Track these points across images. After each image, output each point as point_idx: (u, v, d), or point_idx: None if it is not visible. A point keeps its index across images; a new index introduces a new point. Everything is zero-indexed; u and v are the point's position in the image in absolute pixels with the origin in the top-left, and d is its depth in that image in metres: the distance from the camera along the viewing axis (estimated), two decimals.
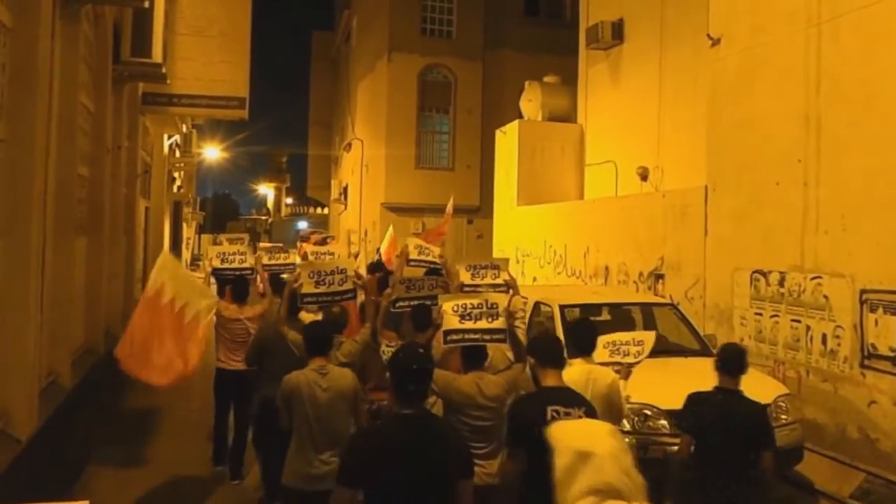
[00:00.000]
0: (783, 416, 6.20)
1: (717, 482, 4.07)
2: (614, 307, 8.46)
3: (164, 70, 9.26)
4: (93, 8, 7.23)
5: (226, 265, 6.46)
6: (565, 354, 4.01)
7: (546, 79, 16.59)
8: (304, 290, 5.17)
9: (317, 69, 33.82)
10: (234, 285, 6.46)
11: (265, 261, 6.63)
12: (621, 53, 13.80)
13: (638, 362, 5.06)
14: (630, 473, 2.00)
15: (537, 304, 8.17)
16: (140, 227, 11.65)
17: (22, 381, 4.81)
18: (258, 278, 6.68)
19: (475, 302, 4.56)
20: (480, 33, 21.95)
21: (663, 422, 5.92)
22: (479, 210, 21.35)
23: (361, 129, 24.39)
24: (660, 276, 10.16)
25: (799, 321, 7.59)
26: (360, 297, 5.64)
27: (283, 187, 57.98)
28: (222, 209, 69.28)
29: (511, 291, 5.36)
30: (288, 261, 6.73)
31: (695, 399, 4.36)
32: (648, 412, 5.94)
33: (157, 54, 8.91)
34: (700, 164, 9.63)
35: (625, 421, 5.61)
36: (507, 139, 16.11)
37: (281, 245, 8.89)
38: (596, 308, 8.47)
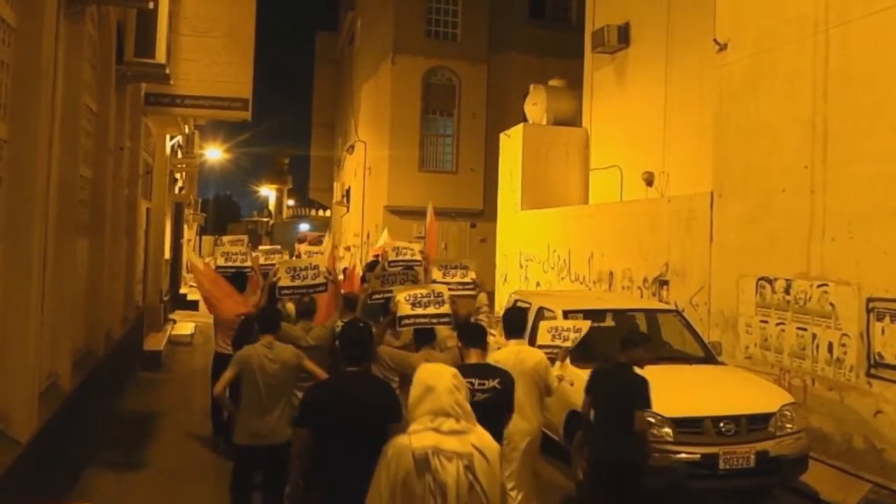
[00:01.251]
0: (788, 425, 6.16)
1: (608, 431, 5.11)
2: (618, 313, 8.42)
3: (167, 71, 9.20)
4: (97, 8, 7.18)
5: (229, 263, 7.54)
6: (506, 337, 5.34)
7: (551, 82, 16.57)
8: (282, 283, 6.21)
9: (320, 71, 33.84)
10: (232, 279, 7.37)
11: (262, 260, 7.56)
12: (627, 57, 13.76)
13: (574, 346, 5.77)
14: (460, 403, 2.79)
15: (541, 310, 8.13)
16: (141, 228, 11.60)
17: (22, 382, 4.75)
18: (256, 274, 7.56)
19: (424, 292, 5.43)
20: (485, 36, 21.95)
21: (667, 430, 5.88)
22: (483, 214, 21.33)
23: (365, 132, 24.38)
24: (664, 283, 10.10)
25: (805, 329, 7.54)
26: (332, 288, 6.61)
27: (285, 189, 57.94)
28: (224, 211, 69.40)
29: (477, 289, 6.44)
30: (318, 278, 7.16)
31: (595, 370, 5.47)
32: (652, 419, 5.88)
33: (160, 55, 8.86)
34: (706, 170, 9.60)
35: None
36: (511, 143, 16.07)
37: (278, 247, 9.83)
38: (600, 314, 8.43)
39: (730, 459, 5.79)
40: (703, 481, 5.88)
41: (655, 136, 12.48)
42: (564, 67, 17.09)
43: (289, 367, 4.95)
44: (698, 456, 5.80)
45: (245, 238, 9.18)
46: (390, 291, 5.88)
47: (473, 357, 4.51)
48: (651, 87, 12.78)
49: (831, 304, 7.23)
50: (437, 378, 2.82)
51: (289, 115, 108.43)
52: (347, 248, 19.36)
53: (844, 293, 7.08)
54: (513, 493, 5.05)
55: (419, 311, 5.30)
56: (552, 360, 5.41)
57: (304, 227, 41.13)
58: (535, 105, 16.27)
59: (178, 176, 17.33)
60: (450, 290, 5.89)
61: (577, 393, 6.60)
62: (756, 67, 8.49)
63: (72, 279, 6.31)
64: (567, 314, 7.54)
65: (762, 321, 8.13)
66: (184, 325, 14.78)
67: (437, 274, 6.53)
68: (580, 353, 7.04)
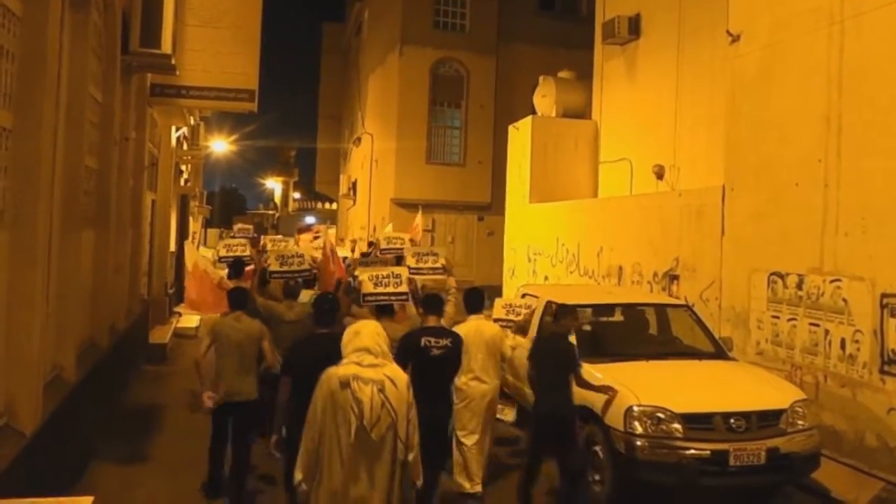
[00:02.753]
0: (800, 422, 6.08)
1: (546, 389, 5.86)
2: (628, 308, 8.37)
3: (172, 61, 9.13)
4: None
5: (230, 253, 8.58)
6: (467, 309, 6.51)
7: (560, 74, 16.43)
8: (272, 268, 7.54)
9: (327, 62, 33.70)
10: (232, 265, 8.29)
11: (270, 246, 8.63)
12: (638, 49, 13.63)
13: (523, 320, 6.94)
14: (379, 344, 3.78)
15: (549, 304, 8.05)
16: (146, 220, 11.57)
17: (27, 374, 4.74)
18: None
19: (385, 273, 6.43)
20: (494, 27, 21.81)
21: (677, 425, 5.81)
22: (491, 207, 21.24)
23: (371, 124, 24.27)
24: (675, 277, 10.01)
25: (817, 325, 7.44)
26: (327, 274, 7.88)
27: (291, 182, 57.84)
28: (229, 203, 69.29)
29: (446, 273, 7.62)
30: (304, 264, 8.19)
31: (536, 340, 6.45)
32: (661, 415, 5.84)
33: (166, 45, 8.78)
34: (717, 164, 9.49)
35: (636, 423, 5.87)
36: (519, 135, 15.97)
37: (281, 237, 11.72)
38: (609, 308, 8.37)
39: (740, 456, 5.72)
40: (714, 478, 5.80)
41: (666, 129, 12.36)
42: (574, 59, 16.94)
43: (252, 338, 5.90)
44: (708, 452, 5.72)
45: (251, 227, 11.17)
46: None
47: (431, 321, 5.64)
48: (662, 80, 12.65)
49: (844, 300, 7.13)
50: (363, 326, 3.92)
51: (295, 107, 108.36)
52: (354, 241, 19.32)
53: (858, 288, 6.98)
54: (475, 437, 6.24)
55: (380, 289, 6.30)
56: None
57: (310, 219, 41.03)
58: (545, 97, 16.15)
59: (183, 168, 17.27)
60: (422, 273, 7.52)
61: (578, 392, 6.54)
62: (769, 59, 8.37)
63: (77, 271, 6.28)
64: (576, 309, 7.47)
65: (774, 317, 8.03)
66: (189, 318, 14.70)
67: (411, 260, 7.70)
68: (590, 349, 7.02)
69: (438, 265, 7.80)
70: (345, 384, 3.63)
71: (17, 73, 4.75)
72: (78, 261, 6.33)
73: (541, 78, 16.57)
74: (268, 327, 6.27)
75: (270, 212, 59.37)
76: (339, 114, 32.76)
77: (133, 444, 7.25)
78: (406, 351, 5.26)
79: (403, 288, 6.38)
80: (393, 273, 6.46)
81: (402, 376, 3.83)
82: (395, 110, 21.75)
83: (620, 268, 11.56)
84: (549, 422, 5.75)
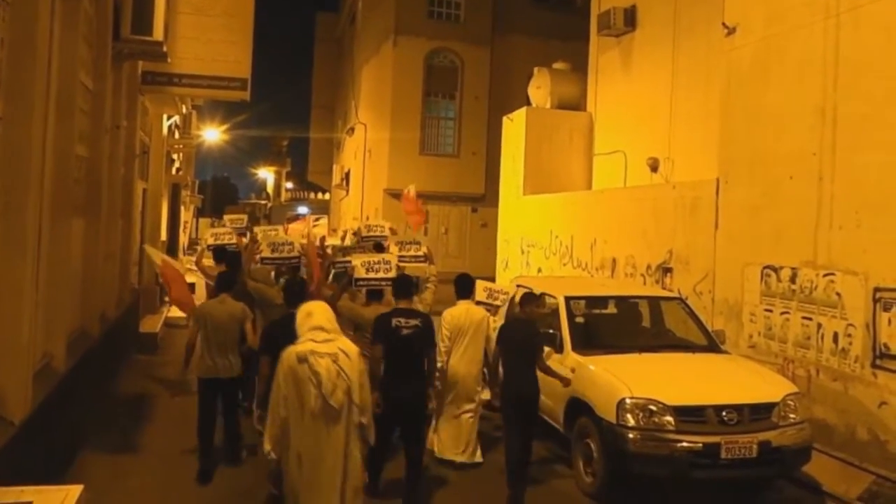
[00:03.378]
0: (792, 415, 6.09)
1: (513, 372, 6.18)
2: (621, 300, 8.36)
3: (164, 49, 9.05)
4: None
5: (217, 241, 8.98)
6: (461, 294, 7.06)
7: (555, 65, 16.38)
8: (264, 255, 7.85)
9: (320, 51, 33.47)
10: (215, 250, 8.76)
11: (261, 237, 8.64)
12: (633, 41, 13.59)
13: (502, 305, 7.51)
14: (330, 321, 4.27)
15: (542, 296, 8.04)
16: (137, 209, 11.48)
17: (16, 362, 4.70)
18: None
19: (376, 259, 6.87)
20: (489, 17, 21.72)
21: (669, 418, 5.82)
22: (484, 199, 21.21)
23: (365, 114, 24.16)
24: (668, 270, 10.02)
25: (810, 318, 7.45)
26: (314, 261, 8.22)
27: (284, 172, 57.58)
28: (221, 193, 69.03)
29: (427, 261, 8.03)
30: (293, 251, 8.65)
31: (502, 326, 6.62)
32: (654, 408, 5.84)
33: (157, 32, 8.70)
34: (712, 156, 9.48)
35: (628, 415, 5.86)
36: (514, 126, 15.93)
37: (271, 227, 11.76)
38: (602, 301, 8.36)
39: (732, 449, 5.72)
40: (705, 471, 5.81)
41: (661, 121, 12.35)
42: (569, 50, 16.91)
43: (234, 319, 6.32)
44: (700, 445, 5.72)
45: (245, 217, 11.44)
46: (349, 261, 7.01)
47: (402, 304, 5.99)
48: (657, 72, 12.63)
49: (837, 294, 7.14)
50: (315, 307, 4.36)
51: (288, 97, 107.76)
52: (345, 232, 19.28)
53: (851, 283, 6.99)
54: (464, 412, 6.78)
55: (371, 275, 6.71)
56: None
57: (302, 209, 40.94)
58: (539, 88, 16.11)
59: (175, 157, 17.16)
60: (405, 261, 7.78)
61: (578, 380, 6.55)
62: (765, 52, 8.35)
63: (66, 259, 6.22)
64: (570, 301, 7.47)
65: (767, 310, 8.05)
66: None
67: (394, 249, 8.12)
68: (583, 341, 7.03)
69: (420, 254, 8.20)
70: (302, 359, 4.07)
71: (7, 59, 4.68)
72: (68, 249, 6.28)
73: (535, 69, 16.52)
74: (260, 310, 6.97)
75: (263, 202, 59.15)
76: (332, 104, 32.58)
77: (124, 433, 7.22)
78: (379, 331, 5.72)
79: (392, 274, 6.68)
80: (383, 259, 6.91)
81: (353, 348, 4.26)
82: (389, 101, 21.65)
83: (614, 260, 11.56)
84: (515, 403, 6.12)
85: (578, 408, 6.45)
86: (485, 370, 6.96)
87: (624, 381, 6.07)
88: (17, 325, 4.68)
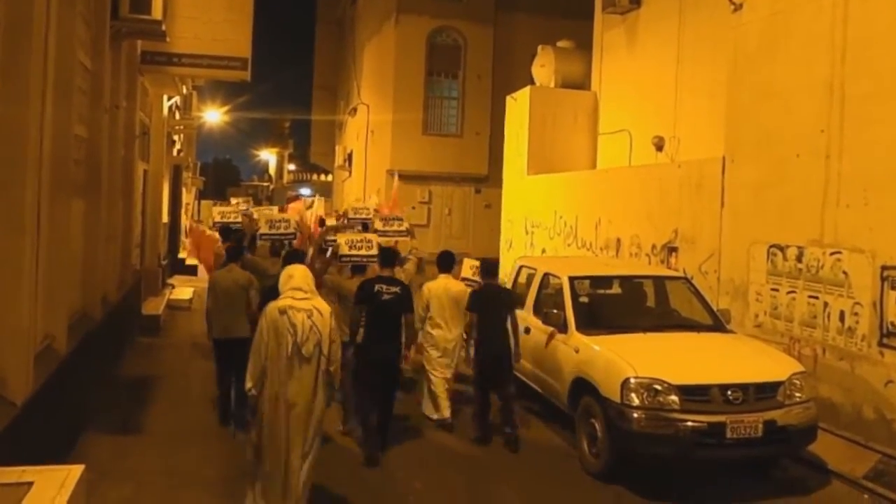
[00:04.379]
0: (797, 395, 6.07)
1: (487, 334, 6.89)
2: (625, 280, 8.32)
3: (163, 28, 8.96)
4: None
5: (224, 220, 9.81)
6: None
7: (559, 43, 16.20)
8: (262, 231, 8.69)
9: (322, 31, 33.13)
10: (222, 229, 9.56)
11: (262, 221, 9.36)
12: (638, 18, 13.42)
13: (481, 282, 7.74)
14: (308, 283, 4.97)
15: (546, 276, 8.02)
16: (138, 190, 11.40)
17: (17, 343, 4.67)
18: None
19: (359, 238, 7.62)
20: None
21: (674, 397, 5.79)
22: (488, 179, 21.09)
23: (367, 94, 23.96)
24: (673, 249, 9.95)
25: (816, 297, 7.39)
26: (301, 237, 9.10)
27: (286, 153, 57.25)
28: (223, 175, 68.86)
29: (410, 235, 9.14)
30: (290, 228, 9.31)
31: (473, 293, 7.20)
32: (658, 387, 5.82)
33: (156, 11, 8.60)
34: (718, 135, 9.37)
35: (633, 395, 5.84)
36: (517, 106, 15.81)
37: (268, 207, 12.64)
38: (607, 281, 8.33)
39: (737, 428, 5.69)
40: (710, 450, 5.80)
41: (666, 99, 12.20)
42: (574, 28, 16.66)
43: (240, 286, 7.11)
44: (705, 424, 5.69)
45: (251, 200, 13.15)
46: (335, 240, 7.82)
47: (384, 272, 6.84)
48: (663, 49, 12.46)
49: (844, 272, 7.08)
50: (295, 270, 5.09)
51: (290, 77, 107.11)
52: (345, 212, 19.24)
53: (858, 261, 6.92)
54: (442, 375, 7.39)
55: (354, 251, 7.46)
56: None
57: (305, 191, 40.82)
58: (543, 67, 15.95)
59: (175, 138, 17.05)
60: (388, 235, 8.75)
61: (582, 360, 6.53)
62: (772, 28, 8.23)
63: (66, 240, 6.17)
64: (574, 280, 7.43)
65: (773, 289, 7.98)
66: (182, 290, 14.67)
67: (378, 224, 9.01)
68: (588, 321, 6.99)
69: (403, 228, 9.14)
70: (282, 312, 4.77)
71: (3, 37, 4.62)
72: (68, 230, 6.23)
73: (539, 47, 16.34)
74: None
75: (265, 183, 59.04)
76: (334, 84, 32.33)
77: (126, 415, 7.22)
78: (362, 295, 6.51)
79: (374, 251, 7.41)
80: (365, 238, 7.65)
81: (325, 307, 4.98)
82: (392, 80, 21.47)
83: (618, 240, 11.49)
84: (489, 361, 6.85)
85: (583, 388, 6.43)
86: (464, 337, 7.45)
87: (628, 360, 6.04)
88: (17, 307, 4.65)
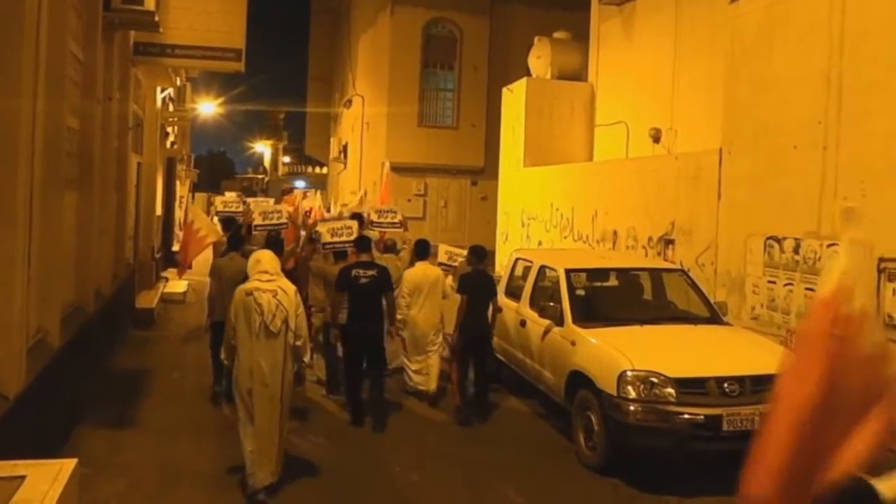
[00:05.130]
0: None
1: (472, 313, 7.35)
2: (622, 272, 8.29)
3: (156, 18, 8.88)
4: None
5: (226, 209, 10.56)
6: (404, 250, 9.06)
7: (556, 35, 16.13)
8: (256, 222, 9.09)
9: (316, 21, 32.91)
10: (224, 220, 9.98)
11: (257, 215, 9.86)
12: (635, 9, 13.36)
13: (458, 266, 8.45)
14: (274, 267, 5.53)
15: (542, 268, 7.98)
16: (132, 182, 11.32)
17: (9, 336, 4.63)
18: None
19: (339, 226, 8.20)
20: None
21: (670, 390, 5.77)
22: (484, 171, 21.03)
23: (362, 85, 23.87)
24: (670, 242, 9.93)
25: (813, 289, 7.37)
26: (291, 227, 9.56)
27: (281, 145, 56.94)
28: (217, 167, 68.50)
29: (403, 227, 9.73)
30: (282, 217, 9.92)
31: (462, 276, 7.64)
32: (655, 380, 5.79)
33: (149, 1, 8.52)
34: (715, 126, 9.34)
35: (629, 388, 5.81)
36: (513, 97, 15.74)
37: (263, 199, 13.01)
38: (603, 273, 8.30)
39: (734, 421, 5.67)
40: (706, 443, 5.77)
41: (663, 91, 12.16)
42: (570, 19, 16.60)
43: (242, 273, 6.87)
44: (701, 417, 5.67)
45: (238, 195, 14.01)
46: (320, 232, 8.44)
47: (363, 257, 7.42)
48: (660, 41, 12.41)
49: None
50: (263, 255, 5.66)
51: (284, 69, 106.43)
52: (344, 205, 19.18)
53: None
54: (425, 353, 7.97)
55: (336, 239, 8.06)
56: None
57: (300, 183, 40.66)
58: (539, 58, 15.87)
59: (169, 130, 16.94)
60: (383, 227, 9.50)
61: (578, 353, 6.50)
62: (770, 19, 8.19)
63: (59, 233, 6.11)
64: (570, 273, 7.40)
65: (770, 281, 7.97)
66: (176, 283, 14.58)
67: (373, 215, 9.56)
68: (584, 313, 6.97)
69: (397, 220, 9.66)
70: (249, 294, 5.31)
71: None
72: (60, 223, 6.17)
73: (536, 39, 16.26)
74: None
75: (260, 176, 58.75)
76: (329, 76, 32.16)
77: (119, 408, 7.18)
78: (341, 281, 7.08)
79: (354, 237, 8.01)
80: (346, 225, 8.26)
81: (290, 287, 5.50)
82: (387, 72, 21.36)
83: (615, 232, 11.46)
84: (472, 337, 7.37)
85: (579, 381, 6.41)
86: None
87: (625, 353, 6.02)
88: (9, 300, 4.60)
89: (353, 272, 7.04)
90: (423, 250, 8.25)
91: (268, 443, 5.32)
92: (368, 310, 6.99)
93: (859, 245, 2.36)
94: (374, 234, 9.37)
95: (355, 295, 7.00)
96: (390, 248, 9.14)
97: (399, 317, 7.67)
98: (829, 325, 2.27)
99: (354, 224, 8.36)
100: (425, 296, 7.88)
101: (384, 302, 7.16)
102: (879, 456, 2.66)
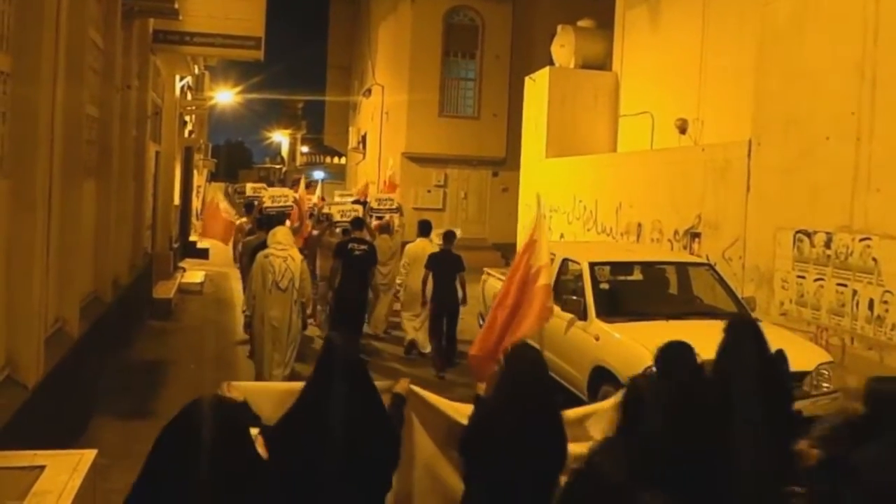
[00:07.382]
0: (825, 385, 5.94)
1: (443, 289, 8.73)
2: (647, 266, 8.15)
3: (175, 5, 8.84)
4: None
5: (275, 204, 11.83)
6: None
7: (580, 23, 15.92)
8: (266, 204, 11.43)
9: (336, 9, 32.80)
10: (247, 205, 11.78)
11: (269, 203, 11.97)
12: None
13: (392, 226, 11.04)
14: (287, 238, 7.33)
15: (565, 261, 7.85)
16: (150, 171, 11.27)
17: (28, 326, 4.61)
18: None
19: (347, 208, 10.71)
20: None
21: None
22: (505, 162, 20.88)
23: (382, 75, 23.74)
24: (696, 235, 9.76)
25: (845, 285, 7.19)
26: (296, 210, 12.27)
27: (299, 135, 56.88)
28: (235, 157, 68.72)
29: (399, 212, 11.97)
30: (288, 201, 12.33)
31: (432, 255, 8.95)
32: None
33: None
34: (744, 117, 9.15)
35: None
36: (536, 87, 15.57)
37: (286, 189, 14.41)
38: (628, 267, 8.16)
39: None
40: None
41: (690, 80, 11.95)
42: (595, 7, 16.34)
43: (256, 250, 8.09)
44: None
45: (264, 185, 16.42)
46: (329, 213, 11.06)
47: (356, 234, 9.19)
48: (687, 29, 12.18)
49: (874, 259, 6.88)
50: (279, 231, 7.33)
51: (303, 58, 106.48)
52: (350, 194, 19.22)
53: (889, 247, 6.73)
54: (418, 316, 9.50)
55: (345, 219, 10.32)
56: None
57: (318, 174, 40.66)
58: (563, 47, 15.67)
59: (187, 119, 16.91)
60: (381, 212, 11.54)
61: (602, 348, 6.38)
62: (801, 6, 8.02)
63: (78, 222, 6.09)
64: (594, 266, 7.27)
65: (799, 276, 7.79)
66: (194, 274, 14.57)
67: (373, 202, 11.92)
68: (608, 308, 6.83)
69: (394, 206, 11.82)
70: (266, 257, 6.96)
71: (15, 14, 4.51)
72: (79, 212, 6.14)
73: (559, 27, 16.07)
74: None
75: (277, 166, 58.86)
76: (348, 64, 32.07)
77: (137, 399, 7.13)
78: (338, 251, 8.72)
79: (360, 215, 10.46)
80: (353, 208, 10.68)
81: (297, 255, 7.15)
82: (407, 61, 21.24)
83: (640, 225, 11.30)
84: (442, 306, 8.76)
85: (602, 376, 6.30)
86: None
87: (649, 348, 5.82)
88: (28, 289, 4.59)
89: (350, 245, 8.77)
90: (424, 229, 9.82)
91: (270, 367, 6.95)
92: (357, 276, 8.59)
93: (542, 218, 5.92)
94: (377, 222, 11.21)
95: (348, 263, 8.58)
96: (385, 228, 10.72)
97: (398, 280, 9.73)
98: (527, 258, 5.62)
99: (359, 208, 10.83)
100: (421, 267, 9.13)
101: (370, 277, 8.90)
102: (539, 328, 5.39)
